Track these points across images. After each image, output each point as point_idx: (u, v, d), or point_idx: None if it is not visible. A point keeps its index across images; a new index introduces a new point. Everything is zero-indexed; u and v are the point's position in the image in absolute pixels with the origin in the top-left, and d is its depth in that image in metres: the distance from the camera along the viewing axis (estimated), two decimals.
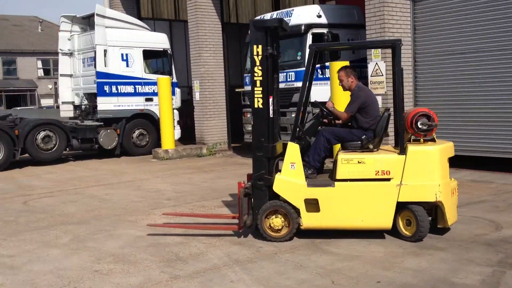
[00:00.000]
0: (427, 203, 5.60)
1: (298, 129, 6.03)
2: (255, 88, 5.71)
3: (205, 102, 14.69)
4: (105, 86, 14.02)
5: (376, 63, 10.15)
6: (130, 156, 14.42)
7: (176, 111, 14.70)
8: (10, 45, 44.24)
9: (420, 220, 5.48)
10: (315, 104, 6.54)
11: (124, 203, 8.24)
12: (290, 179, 5.73)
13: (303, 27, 11.51)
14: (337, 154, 5.97)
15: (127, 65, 14.38)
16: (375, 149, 5.88)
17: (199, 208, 7.66)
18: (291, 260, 5.18)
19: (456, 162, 10.22)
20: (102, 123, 14.07)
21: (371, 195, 5.57)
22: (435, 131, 5.77)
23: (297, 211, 5.72)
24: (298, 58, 11.58)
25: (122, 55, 14.27)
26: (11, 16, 50.96)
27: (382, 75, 10.07)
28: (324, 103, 6.39)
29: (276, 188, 5.76)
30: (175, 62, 15.77)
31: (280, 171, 5.87)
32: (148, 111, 14.77)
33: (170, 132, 13.63)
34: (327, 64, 11.15)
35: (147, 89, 14.71)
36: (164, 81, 13.66)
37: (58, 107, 18.98)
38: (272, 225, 5.73)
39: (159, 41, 15.03)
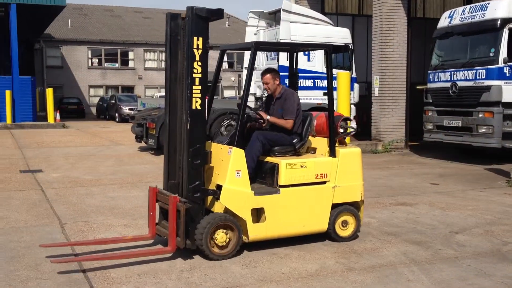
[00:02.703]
0: (353, 203, 5.75)
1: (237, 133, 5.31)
2: (194, 87, 5.00)
3: (383, 98, 14.39)
4: (285, 80, 14.39)
5: None
6: None
7: (353, 106, 14.62)
8: None
9: (359, 219, 5.74)
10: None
11: None
12: (237, 188, 5.16)
13: (499, 22, 10.68)
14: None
15: (308, 60, 14.62)
16: (302, 153, 5.82)
17: (374, 204, 7.56)
18: (474, 266, 4.89)
19: None
20: None
21: (311, 199, 5.51)
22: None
23: (242, 223, 5.19)
24: (491, 54, 10.79)
25: None
26: None
27: None
28: (250, 108, 5.95)
29: (224, 199, 5.11)
30: (355, 57, 15.68)
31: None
32: (325, 105, 14.83)
33: None
34: None
35: (326, 83, 14.79)
36: (343, 76, 13.63)
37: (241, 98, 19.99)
38: (216, 241, 5.03)
39: (341, 36, 15.02)
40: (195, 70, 5.00)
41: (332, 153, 5.63)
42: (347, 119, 5.88)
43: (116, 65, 43.74)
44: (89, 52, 42.33)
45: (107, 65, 43.20)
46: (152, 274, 4.70)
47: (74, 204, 7.51)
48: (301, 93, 14.16)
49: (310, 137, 5.93)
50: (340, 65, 15.24)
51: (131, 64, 44.21)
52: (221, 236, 5.02)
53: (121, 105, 30.27)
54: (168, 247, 4.99)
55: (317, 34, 14.74)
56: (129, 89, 43.19)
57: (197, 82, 5.01)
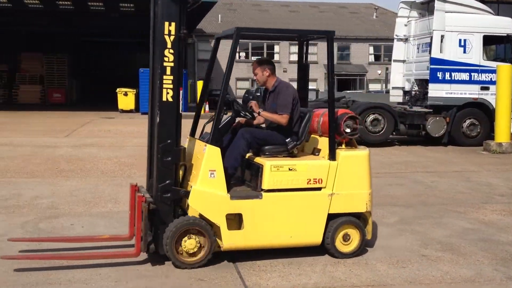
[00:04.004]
0: (356, 214, 4.97)
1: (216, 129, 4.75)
2: (165, 77, 4.52)
3: None
4: (438, 73, 13.69)
5: None
6: (457, 146, 13.79)
7: None
8: (346, 31, 47.03)
9: (364, 233, 4.96)
10: (232, 103, 5.18)
11: (451, 193, 7.93)
12: (210, 190, 4.58)
13: None
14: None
15: (464, 51, 13.73)
16: (300, 154, 5.17)
17: None
18: None
19: None
20: (431, 110, 13.80)
21: (301, 207, 4.80)
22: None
23: (215, 229, 4.60)
24: None
25: (459, 40, 13.66)
26: (349, 4, 54.25)
27: None
28: (237, 103, 5.19)
29: (193, 201, 4.56)
30: None
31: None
32: (482, 100, 13.88)
33: (506, 125, 12.55)
34: None
35: (483, 77, 13.79)
36: (505, 69, 12.62)
37: (387, 92, 19.40)
38: (185, 248, 4.51)
39: (503, 25, 13.89)
40: (166, 59, 4.56)
41: (332, 155, 4.90)
42: (354, 117, 5.13)
43: None
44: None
45: (253, 58, 44.51)
46: (296, 265, 4.67)
47: None
48: (455, 87, 13.65)
49: (317, 137, 5.28)
50: (501, 57, 14.18)
51: (276, 57, 45.04)
52: (189, 243, 4.52)
53: None
54: (133, 250, 4.58)
55: (474, 24, 13.81)
56: None
57: (168, 71, 4.56)
